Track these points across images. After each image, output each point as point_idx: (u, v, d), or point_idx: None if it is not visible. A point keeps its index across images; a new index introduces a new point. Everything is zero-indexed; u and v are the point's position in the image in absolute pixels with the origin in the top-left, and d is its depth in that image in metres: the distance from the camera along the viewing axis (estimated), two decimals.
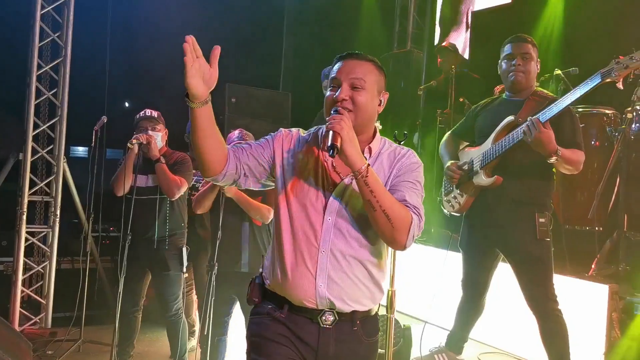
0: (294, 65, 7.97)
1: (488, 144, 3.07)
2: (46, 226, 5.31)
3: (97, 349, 4.45)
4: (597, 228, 3.83)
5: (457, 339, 3.47)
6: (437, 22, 6.64)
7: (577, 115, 3.81)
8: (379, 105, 1.86)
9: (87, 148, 8.40)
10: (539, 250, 2.91)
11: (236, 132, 3.52)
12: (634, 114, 3.53)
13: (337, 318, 1.79)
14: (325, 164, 1.83)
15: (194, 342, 4.46)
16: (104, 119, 4.69)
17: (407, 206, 1.71)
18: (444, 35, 6.44)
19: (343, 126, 1.65)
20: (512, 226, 2.96)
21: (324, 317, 1.78)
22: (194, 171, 4.07)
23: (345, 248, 1.77)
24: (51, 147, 5.35)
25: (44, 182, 5.30)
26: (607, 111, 3.89)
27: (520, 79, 3.00)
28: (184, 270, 3.92)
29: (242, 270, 3.48)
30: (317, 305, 1.78)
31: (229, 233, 3.48)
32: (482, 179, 3.05)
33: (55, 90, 5.33)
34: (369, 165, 1.66)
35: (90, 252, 5.16)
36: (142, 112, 3.88)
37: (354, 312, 1.80)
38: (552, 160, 2.78)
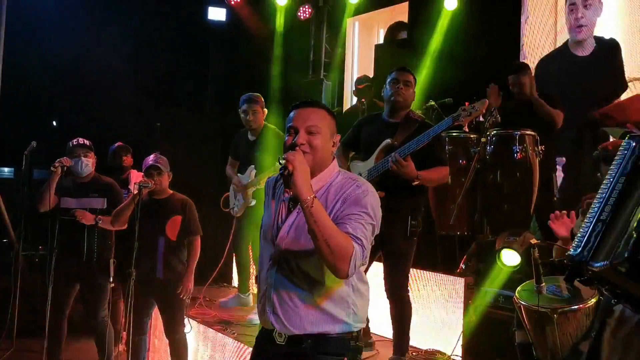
0: (222, 88, 8.39)
1: (371, 162, 3.67)
2: None
3: (29, 357, 4.81)
4: (465, 233, 4.62)
5: None
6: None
7: (448, 138, 4.61)
8: (333, 146, 2.07)
9: (12, 169, 8.51)
10: (407, 247, 3.58)
11: (151, 157, 4.07)
12: (487, 138, 4.34)
13: (287, 337, 2.02)
14: (283, 202, 2.07)
15: (120, 348, 4.89)
16: (33, 144, 5.08)
17: (351, 237, 1.86)
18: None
19: (296, 158, 1.85)
20: (389, 227, 3.59)
21: (276, 335, 2.04)
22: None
23: (290, 280, 2.00)
24: None
25: None
26: (472, 135, 4.68)
27: (400, 99, 3.65)
28: (111, 280, 4.42)
29: (157, 276, 4.04)
30: (267, 327, 2.07)
31: (146, 244, 4.01)
32: None
33: None
34: (314, 197, 1.81)
35: (19, 270, 5.47)
36: (76, 140, 4.39)
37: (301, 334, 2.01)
38: (415, 183, 3.49)
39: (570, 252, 1.57)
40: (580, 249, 1.53)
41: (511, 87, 4.63)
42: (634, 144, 1.56)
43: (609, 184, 1.55)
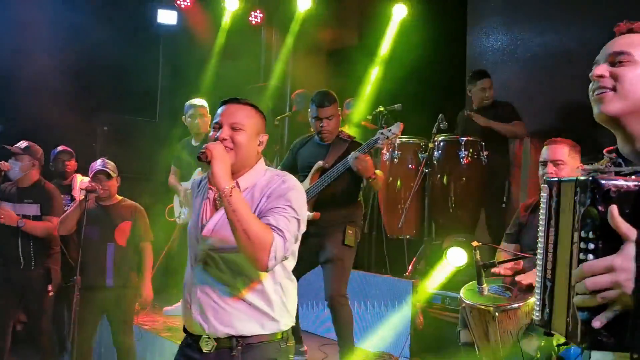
0: (172, 92, 8.23)
1: (306, 184, 3.72)
2: None
3: None
4: (414, 236, 4.70)
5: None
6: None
7: (397, 143, 4.68)
8: (259, 145, 2.06)
9: None
10: (343, 253, 3.61)
11: (98, 162, 3.97)
12: (435, 144, 4.45)
13: (216, 344, 1.95)
14: (208, 200, 2.05)
15: (66, 358, 4.75)
16: None
17: (272, 228, 1.84)
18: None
19: (216, 146, 1.87)
20: (326, 237, 3.65)
21: (204, 343, 1.96)
22: (63, 195, 4.50)
23: (217, 276, 1.96)
24: None
25: None
26: (420, 142, 4.77)
27: (327, 135, 3.73)
28: (49, 288, 4.28)
29: (106, 283, 3.96)
30: (194, 331, 2.00)
31: (94, 251, 3.92)
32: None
33: None
34: (234, 187, 1.81)
35: None
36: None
37: (231, 338, 1.94)
38: (372, 180, 3.56)
39: (534, 317, 1.47)
40: (540, 312, 1.44)
41: (472, 96, 4.77)
42: (548, 189, 1.44)
43: (542, 238, 1.45)
